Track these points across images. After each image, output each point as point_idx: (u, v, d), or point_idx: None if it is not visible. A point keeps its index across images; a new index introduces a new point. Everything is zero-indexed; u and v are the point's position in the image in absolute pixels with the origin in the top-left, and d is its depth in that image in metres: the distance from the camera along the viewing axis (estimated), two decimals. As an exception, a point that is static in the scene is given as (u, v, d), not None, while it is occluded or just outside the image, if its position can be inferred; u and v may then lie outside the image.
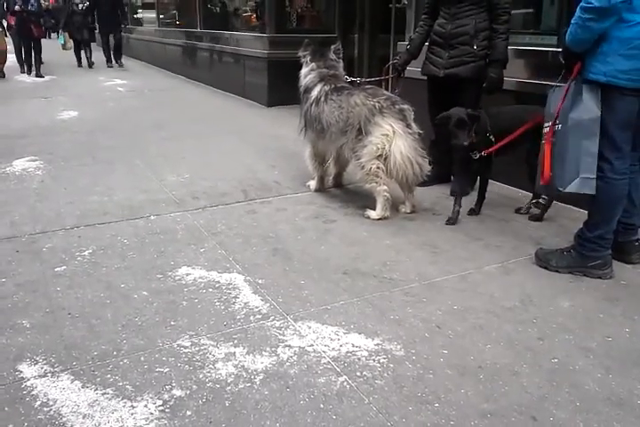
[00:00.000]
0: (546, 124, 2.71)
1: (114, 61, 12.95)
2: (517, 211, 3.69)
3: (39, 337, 2.30)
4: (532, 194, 3.69)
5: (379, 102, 3.49)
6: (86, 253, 3.08)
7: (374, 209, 3.61)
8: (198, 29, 10.35)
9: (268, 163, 4.89)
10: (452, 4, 3.77)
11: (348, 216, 3.68)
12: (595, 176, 2.60)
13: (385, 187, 3.54)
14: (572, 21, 2.48)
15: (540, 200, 3.55)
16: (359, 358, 2.15)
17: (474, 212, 3.43)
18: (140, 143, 5.59)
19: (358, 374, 2.06)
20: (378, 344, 2.25)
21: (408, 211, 3.70)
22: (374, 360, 2.14)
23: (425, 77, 4.07)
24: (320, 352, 2.19)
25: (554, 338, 2.30)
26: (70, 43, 13.06)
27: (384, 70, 4.20)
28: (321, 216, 3.67)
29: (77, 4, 12.65)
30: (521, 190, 3.95)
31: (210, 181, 4.34)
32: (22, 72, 11.24)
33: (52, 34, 22.04)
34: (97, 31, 13.76)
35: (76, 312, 2.49)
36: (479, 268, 2.92)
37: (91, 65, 12.68)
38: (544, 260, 2.91)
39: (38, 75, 10.85)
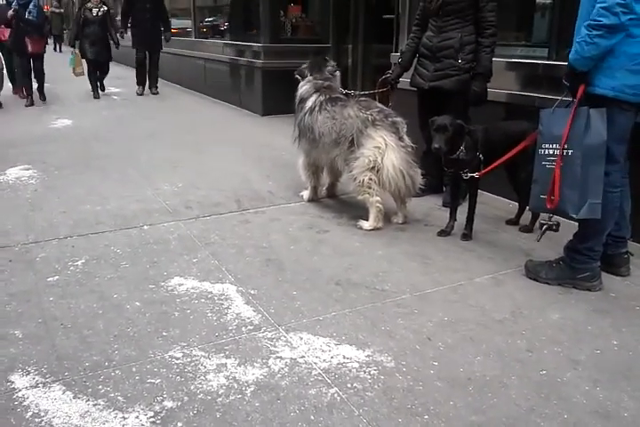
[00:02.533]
0: (548, 146, 2.69)
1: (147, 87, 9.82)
2: (508, 222, 3.73)
3: (31, 347, 2.30)
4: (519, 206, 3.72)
5: (371, 115, 3.53)
6: (79, 262, 3.09)
7: (367, 219, 3.64)
8: (193, 38, 10.41)
9: (262, 172, 4.91)
10: (439, 17, 3.83)
11: (341, 226, 3.70)
12: (600, 201, 2.61)
13: (377, 198, 3.57)
14: (577, 40, 2.49)
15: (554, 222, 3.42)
16: (350, 370, 2.17)
17: (467, 237, 3.45)
18: (134, 152, 5.61)
19: (349, 385, 2.08)
20: (369, 356, 2.26)
21: (400, 222, 3.73)
22: (365, 372, 2.16)
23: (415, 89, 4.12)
24: (311, 364, 2.20)
25: (543, 350, 2.32)
26: (82, 66, 9.40)
27: (378, 84, 4.24)
28: (314, 226, 3.69)
29: (91, 10, 9.00)
30: (511, 201, 3.99)
31: (203, 191, 4.36)
32: (15, 93, 9.13)
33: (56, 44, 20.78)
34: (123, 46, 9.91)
35: (69, 323, 2.49)
36: (470, 279, 2.95)
37: (101, 89, 9.68)
38: (534, 271, 2.94)
39: (42, 98, 8.68)
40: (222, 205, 4.07)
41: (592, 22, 2.41)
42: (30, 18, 8.03)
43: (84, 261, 3.11)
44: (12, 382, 2.08)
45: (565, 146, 2.62)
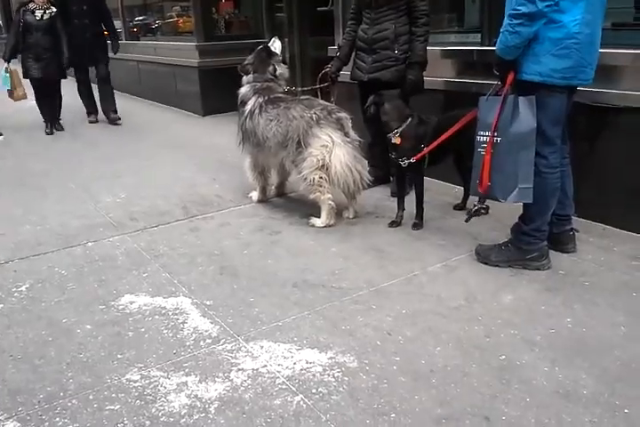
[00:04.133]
0: (482, 133, 2.76)
1: (100, 113, 7.49)
2: (456, 207, 3.77)
3: (-20, 384, 2.19)
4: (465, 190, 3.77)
5: (315, 113, 3.50)
6: (23, 288, 2.96)
7: (319, 217, 3.61)
8: (124, 40, 10.09)
9: (208, 176, 4.82)
10: (372, 9, 3.82)
11: (293, 226, 3.67)
12: (532, 185, 2.69)
13: (329, 195, 3.54)
14: (502, 30, 2.56)
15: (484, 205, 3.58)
16: (314, 375, 2.15)
17: (417, 225, 3.47)
18: (72, 165, 5.37)
19: (314, 391, 2.06)
20: (331, 358, 2.25)
21: (351, 216, 3.73)
22: (329, 375, 2.15)
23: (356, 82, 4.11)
24: (274, 372, 2.17)
25: (499, 334, 2.36)
26: (23, 87, 6.77)
27: (318, 79, 4.20)
28: (266, 228, 3.64)
29: (34, 12, 6.50)
30: (457, 186, 4.04)
31: (148, 200, 4.23)
32: None
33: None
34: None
35: (18, 353, 2.38)
36: (424, 268, 2.97)
37: (57, 125, 7.08)
38: (484, 255, 2.99)
39: None
40: (169, 213, 3.97)
41: (512, 12, 2.48)
42: None
43: (28, 285, 2.98)
44: (-39, 425, 1.98)
45: (495, 133, 2.70)
